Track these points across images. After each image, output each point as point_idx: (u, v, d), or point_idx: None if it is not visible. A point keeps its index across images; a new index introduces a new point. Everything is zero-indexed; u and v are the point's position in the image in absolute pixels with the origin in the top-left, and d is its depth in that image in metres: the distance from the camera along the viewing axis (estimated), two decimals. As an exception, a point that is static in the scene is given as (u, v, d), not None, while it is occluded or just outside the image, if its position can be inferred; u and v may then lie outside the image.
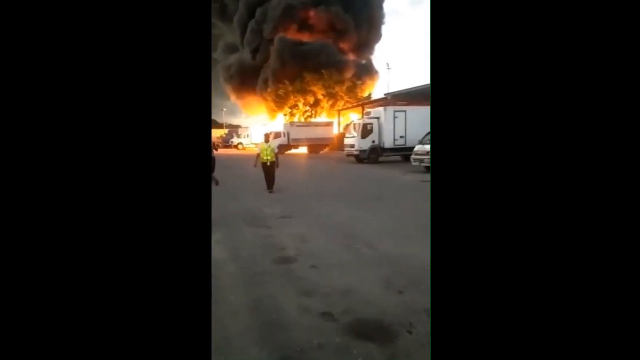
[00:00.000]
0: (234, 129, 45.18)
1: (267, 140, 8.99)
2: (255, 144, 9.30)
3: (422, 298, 2.94)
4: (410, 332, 2.46)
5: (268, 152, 8.66)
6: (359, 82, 35.34)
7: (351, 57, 37.55)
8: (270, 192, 8.63)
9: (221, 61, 40.88)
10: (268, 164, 8.68)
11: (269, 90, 36.43)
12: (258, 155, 8.84)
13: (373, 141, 17.31)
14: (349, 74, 35.36)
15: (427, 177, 11.39)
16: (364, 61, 39.36)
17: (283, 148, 24.15)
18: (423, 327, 2.51)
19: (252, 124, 39.51)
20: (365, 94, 35.60)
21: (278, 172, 8.99)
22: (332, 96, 34.64)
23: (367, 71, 38.46)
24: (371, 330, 2.51)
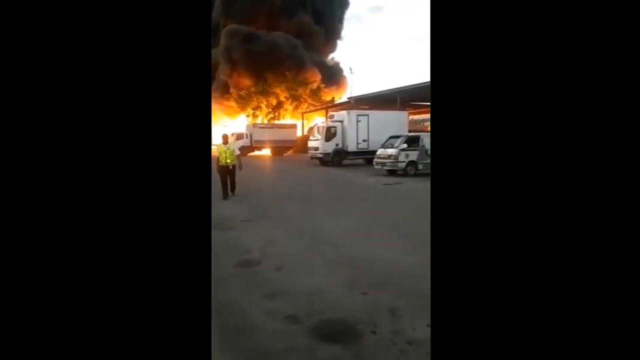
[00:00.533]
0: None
1: (225, 142, 8.37)
2: (216, 145, 8.73)
3: (386, 298, 2.99)
4: (374, 332, 2.49)
5: (228, 155, 8.21)
6: (322, 85, 35.42)
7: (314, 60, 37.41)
8: (233, 195, 8.34)
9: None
10: (230, 167, 8.28)
11: (231, 91, 35.56)
12: (218, 159, 8.14)
13: (337, 144, 17.49)
14: (314, 77, 35.30)
15: (390, 180, 11.65)
16: (330, 64, 39.47)
17: (246, 150, 23.78)
18: (387, 326, 2.56)
19: (212, 125, 38.59)
20: (329, 98, 35.84)
21: (241, 175, 8.82)
22: (295, 98, 34.57)
23: (335, 76, 38.47)
24: (336, 332, 2.51)
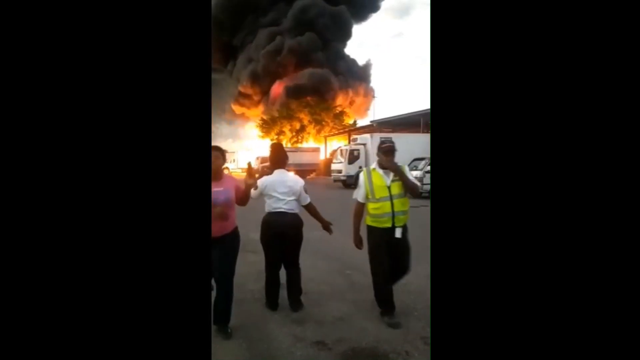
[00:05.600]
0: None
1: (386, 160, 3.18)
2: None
3: (417, 325, 2.89)
4: (406, 361, 2.39)
5: (400, 202, 3.34)
6: (345, 109, 35.87)
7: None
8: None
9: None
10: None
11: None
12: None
13: (360, 167, 17.50)
14: (336, 100, 35.90)
15: (414, 202, 11.46)
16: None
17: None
18: (420, 355, 2.45)
19: (237, 149, 39.47)
20: (351, 121, 36.20)
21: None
22: (318, 122, 35.07)
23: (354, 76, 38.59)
24: (366, 360, 2.43)
